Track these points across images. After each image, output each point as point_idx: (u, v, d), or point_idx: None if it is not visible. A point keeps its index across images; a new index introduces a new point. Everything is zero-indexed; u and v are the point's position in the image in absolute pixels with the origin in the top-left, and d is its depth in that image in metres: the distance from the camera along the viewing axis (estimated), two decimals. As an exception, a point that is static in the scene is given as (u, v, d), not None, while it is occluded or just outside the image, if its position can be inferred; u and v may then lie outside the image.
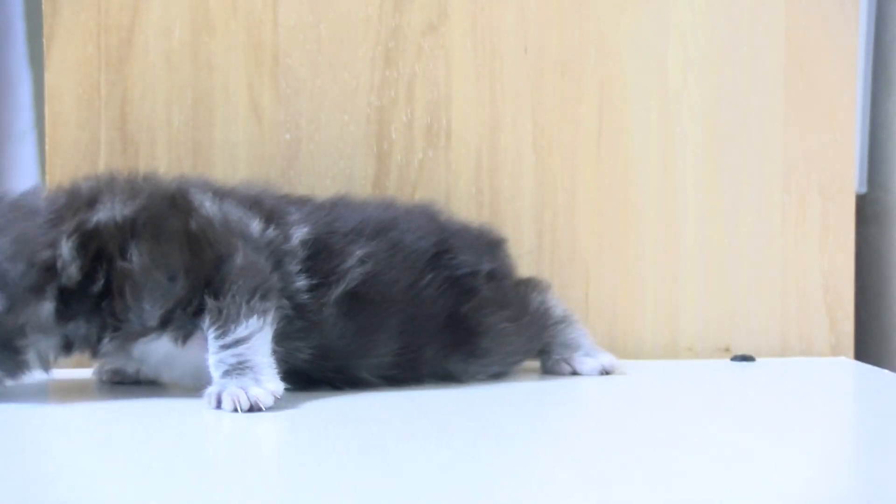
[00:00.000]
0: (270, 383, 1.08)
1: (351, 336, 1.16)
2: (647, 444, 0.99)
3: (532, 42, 1.39)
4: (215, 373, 1.09)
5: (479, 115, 1.39)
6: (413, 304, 1.19)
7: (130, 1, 1.35)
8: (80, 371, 1.25)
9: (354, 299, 1.16)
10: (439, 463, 0.90)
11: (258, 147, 1.36)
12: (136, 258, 1.10)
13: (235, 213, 1.15)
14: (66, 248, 1.10)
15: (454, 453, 0.94)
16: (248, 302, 1.09)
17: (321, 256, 1.16)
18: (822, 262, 1.43)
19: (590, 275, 1.41)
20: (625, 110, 1.41)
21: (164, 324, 1.10)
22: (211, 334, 1.10)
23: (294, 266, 1.15)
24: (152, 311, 1.10)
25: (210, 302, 1.09)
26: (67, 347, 1.12)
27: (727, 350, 1.42)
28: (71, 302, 1.10)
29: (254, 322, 1.09)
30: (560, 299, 1.31)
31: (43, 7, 1.33)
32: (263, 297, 1.10)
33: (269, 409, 1.06)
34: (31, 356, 1.11)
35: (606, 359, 1.28)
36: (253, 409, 1.06)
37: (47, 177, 1.33)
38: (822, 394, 1.24)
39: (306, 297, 1.14)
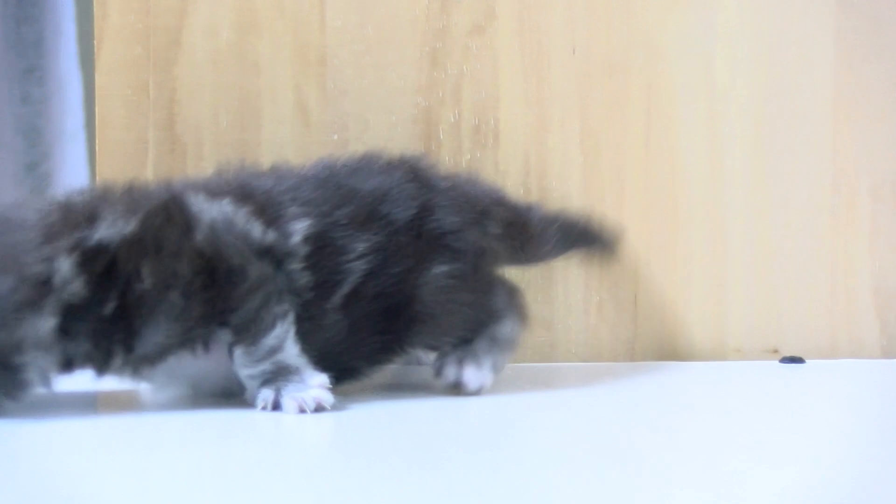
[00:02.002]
0: (318, 379, 1.09)
1: (346, 333, 1.14)
2: (696, 446, 0.98)
3: (580, 42, 1.39)
4: (253, 382, 1.09)
5: (526, 115, 1.38)
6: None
7: (178, 2, 1.35)
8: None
9: (353, 296, 1.14)
10: (486, 466, 0.90)
11: (305, 148, 1.36)
12: (149, 279, 1.08)
13: (239, 217, 1.12)
14: (65, 265, 1.06)
15: (501, 456, 0.94)
16: (268, 311, 1.09)
17: (323, 252, 1.14)
18: (872, 263, 1.42)
19: (638, 276, 1.40)
20: (672, 110, 1.40)
21: (183, 342, 1.10)
22: (239, 349, 1.09)
23: (296, 265, 1.12)
24: (172, 329, 1.09)
25: (231, 317, 1.09)
26: (68, 365, 1.09)
27: (775, 351, 1.41)
28: (76, 319, 1.07)
29: (278, 330, 1.09)
30: None
31: (94, 9, 1.34)
32: (279, 301, 1.10)
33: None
34: (31, 374, 1.06)
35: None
36: (318, 409, 1.06)
37: (97, 177, 1.34)
38: (873, 397, 1.23)
39: (311, 295, 1.13)
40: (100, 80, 1.35)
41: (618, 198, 1.40)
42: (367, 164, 1.22)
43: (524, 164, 1.38)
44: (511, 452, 0.95)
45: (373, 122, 1.37)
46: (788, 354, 1.40)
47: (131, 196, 1.12)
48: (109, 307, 1.07)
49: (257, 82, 1.36)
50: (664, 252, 1.41)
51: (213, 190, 1.14)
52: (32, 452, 0.96)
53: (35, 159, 1.84)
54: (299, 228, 1.13)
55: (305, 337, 1.11)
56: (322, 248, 1.14)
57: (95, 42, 1.34)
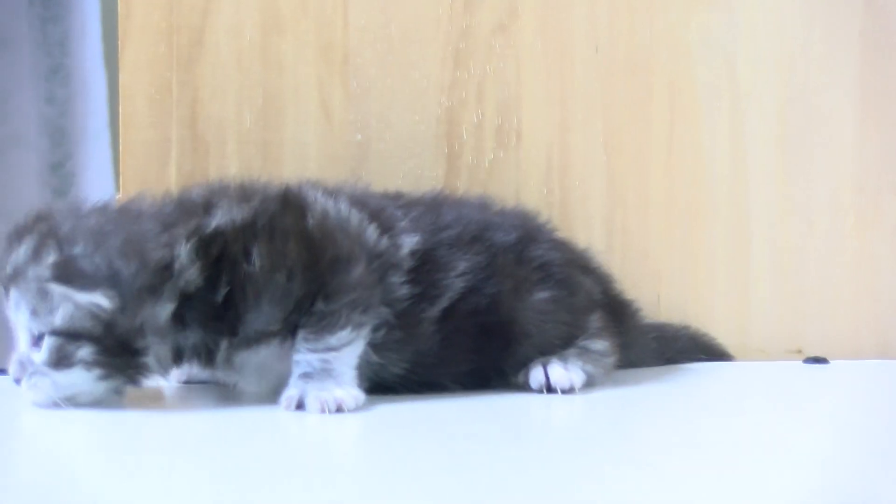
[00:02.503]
0: (353, 389, 1.09)
1: (439, 348, 1.15)
2: (717, 446, 0.98)
3: (602, 41, 1.39)
4: (295, 370, 1.09)
5: (549, 114, 1.38)
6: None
7: (202, 1, 1.35)
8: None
9: (449, 312, 1.15)
10: (513, 464, 0.90)
11: (328, 147, 1.36)
12: (257, 260, 1.09)
13: (354, 216, 1.14)
14: (184, 251, 1.08)
15: (527, 456, 0.93)
16: (348, 315, 1.09)
17: (425, 268, 1.15)
18: (897, 262, 1.42)
19: (661, 275, 1.40)
20: (695, 110, 1.40)
21: (284, 327, 1.10)
22: (302, 334, 1.09)
23: (398, 277, 1.13)
24: (273, 314, 1.10)
25: (319, 305, 1.09)
26: (178, 356, 1.11)
27: (799, 352, 1.40)
28: (191, 307, 1.09)
29: (346, 334, 1.09)
30: None
31: (118, 8, 1.34)
32: (365, 311, 1.10)
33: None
34: (151, 359, 1.09)
35: None
36: (339, 410, 1.06)
37: (121, 175, 1.34)
38: (897, 397, 1.23)
39: (407, 306, 1.13)
40: (123, 78, 1.35)
41: (640, 197, 1.40)
42: (480, 203, 1.24)
43: (547, 163, 1.38)
44: (536, 452, 0.95)
45: (395, 121, 1.37)
46: (812, 355, 1.40)
47: (245, 187, 1.15)
48: (221, 293, 1.09)
49: (281, 81, 1.36)
50: (687, 252, 1.40)
51: (331, 190, 1.16)
52: (59, 449, 0.96)
53: (59, 159, 1.85)
54: (408, 242, 1.15)
55: (397, 346, 1.13)
56: (424, 263, 1.14)
57: (119, 41, 1.35)
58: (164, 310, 1.08)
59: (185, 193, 1.15)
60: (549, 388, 1.16)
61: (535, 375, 1.17)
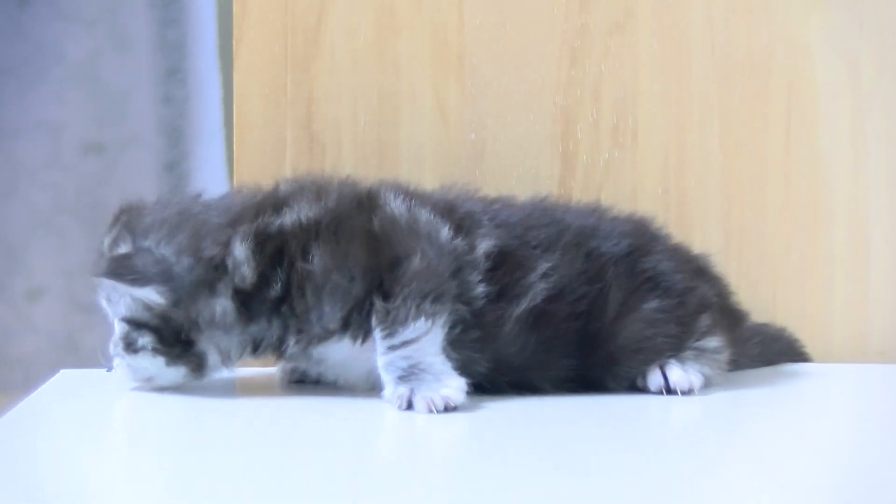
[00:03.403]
0: (453, 380, 1.08)
1: (531, 351, 1.14)
2: (835, 451, 0.97)
3: (719, 41, 1.38)
4: (388, 376, 1.09)
5: (665, 114, 1.37)
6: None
7: (317, 2, 1.36)
8: (265, 369, 1.26)
9: (538, 314, 1.14)
10: (628, 466, 0.89)
11: (443, 146, 1.36)
12: (317, 259, 1.11)
13: (425, 214, 1.14)
14: (239, 249, 1.11)
15: (642, 455, 0.93)
16: (418, 305, 1.09)
17: (504, 268, 1.14)
18: None
19: (777, 276, 1.39)
20: (814, 109, 1.38)
21: (345, 326, 1.11)
22: (378, 334, 1.10)
23: (475, 276, 1.13)
24: (332, 313, 1.10)
25: (378, 303, 1.09)
26: (255, 348, 1.14)
27: (920, 355, 1.39)
28: (249, 303, 1.11)
29: (421, 324, 1.09)
30: None
31: (234, 8, 1.35)
32: (436, 301, 1.10)
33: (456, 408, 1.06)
34: (209, 352, 1.12)
35: None
36: (447, 409, 1.06)
37: (235, 175, 1.35)
38: None
39: (484, 304, 1.13)
40: (238, 78, 1.36)
41: (758, 197, 1.38)
42: (589, 210, 1.23)
43: (663, 164, 1.37)
44: (651, 453, 0.94)
45: (511, 120, 1.36)
46: (933, 358, 1.38)
47: (323, 186, 1.16)
48: (276, 290, 1.11)
49: (396, 81, 1.36)
50: (804, 252, 1.39)
51: (412, 194, 1.16)
52: (168, 439, 0.97)
53: (175, 158, 1.87)
54: (484, 245, 1.14)
55: (476, 344, 1.12)
56: (502, 264, 1.14)
57: (234, 41, 1.36)
58: (220, 305, 1.11)
59: (273, 188, 1.17)
60: (668, 390, 1.15)
61: (654, 378, 1.16)
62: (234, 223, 1.12)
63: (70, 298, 1.90)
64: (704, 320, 1.19)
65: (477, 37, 1.36)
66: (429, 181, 1.30)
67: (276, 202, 1.14)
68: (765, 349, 1.32)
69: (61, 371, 1.25)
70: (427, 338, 1.09)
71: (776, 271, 1.39)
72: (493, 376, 1.14)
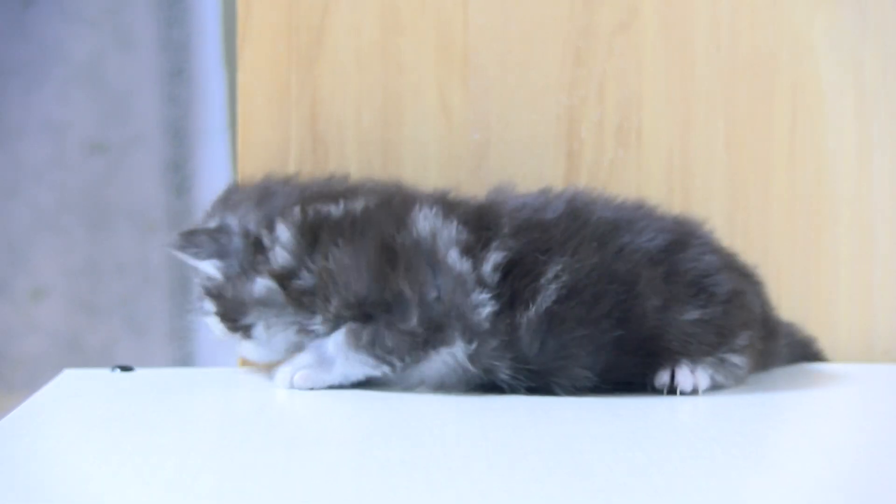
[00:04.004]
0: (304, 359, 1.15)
1: (551, 353, 1.13)
2: (841, 453, 0.97)
3: (724, 40, 1.38)
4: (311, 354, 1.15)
5: (670, 114, 1.37)
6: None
7: (320, 1, 1.36)
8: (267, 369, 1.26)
9: (552, 316, 1.13)
10: (633, 466, 0.89)
11: (447, 146, 1.36)
12: (337, 254, 1.12)
13: (445, 233, 1.13)
14: (283, 234, 1.15)
15: (648, 455, 0.92)
16: (408, 349, 1.12)
17: (513, 276, 1.13)
18: None
19: (781, 276, 1.38)
20: (819, 110, 1.38)
21: (336, 325, 1.13)
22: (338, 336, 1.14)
23: (485, 294, 1.12)
24: (332, 310, 1.13)
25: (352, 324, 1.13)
26: (301, 331, 1.17)
27: (926, 354, 1.38)
28: (294, 286, 1.14)
29: (370, 362, 1.13)
30: None
31: (238, 8, 1.35)
32: (393, 353, 1.13)
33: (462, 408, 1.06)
34: (258, 333, 1.17)
35: None
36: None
37: (239, 175, 1.35)
38: None
39: (493, 319, 1.12)
40: (242, 78, 1.36)
41: (762, 197, 1.38)
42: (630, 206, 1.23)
43: (668, 163, 1.37)
44: (657, 453, 0.94)
45: (515, 120, 1.36)
46: (938, 357, 1.38)
47: (375, 188, 1.20)
48: (307, 279, 1.14)
49: (400, 81, 1.36)
50: (809, 252, 1.39)
51: (443, 202, 1.17)
52: (172, 439, 0.97)
53: (179, 158, 1.87)
54: (494, 258, 1.13)
55: (494, 354, 1.12)
56: (511, 271, 1.13)
57: (238, 40, 1.36)
58: (261, 286, 1.15)
59: (333, 179, 1.23)
60: (671, 389, 1.15)
61: (661, 376, 1.16)
62: (288, 207, 1.16)
63: (74, 298, 1.90)
64: (743, 339, 1.18)
65: (481, 37, 1.36)
66: (432, 181, 1.31)
67: (336, 194, 1.18)
68: (791, 351, 1.32)
69: (65, 371, 1.25)
70: (360, 371, 1.14)
71: (780, 271, 1.39)
72: (514, 383, 1.13)
